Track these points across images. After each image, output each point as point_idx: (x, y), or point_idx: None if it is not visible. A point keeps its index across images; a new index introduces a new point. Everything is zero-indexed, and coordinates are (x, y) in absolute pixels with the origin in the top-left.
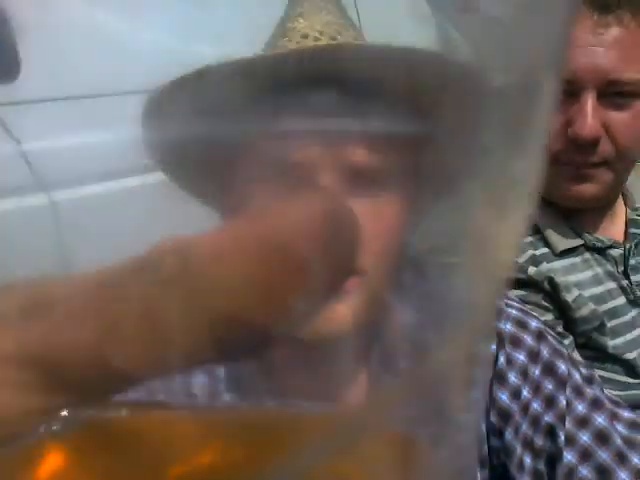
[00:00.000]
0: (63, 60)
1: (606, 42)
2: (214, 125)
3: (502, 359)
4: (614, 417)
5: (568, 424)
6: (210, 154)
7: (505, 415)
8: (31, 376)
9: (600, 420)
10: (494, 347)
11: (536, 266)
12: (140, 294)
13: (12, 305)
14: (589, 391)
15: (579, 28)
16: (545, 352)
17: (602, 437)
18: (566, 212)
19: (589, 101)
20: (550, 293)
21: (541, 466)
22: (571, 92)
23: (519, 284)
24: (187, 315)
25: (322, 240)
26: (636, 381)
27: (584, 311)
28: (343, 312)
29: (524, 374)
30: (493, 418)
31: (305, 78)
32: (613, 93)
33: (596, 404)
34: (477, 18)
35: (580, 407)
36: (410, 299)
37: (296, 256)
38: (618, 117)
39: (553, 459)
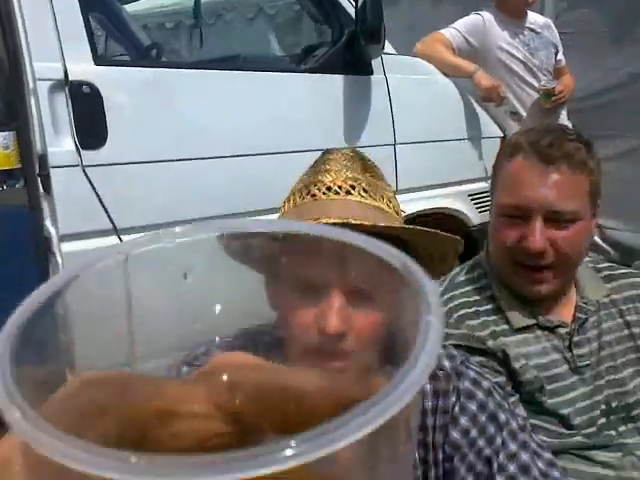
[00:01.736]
0: (138, 132)
1: (549, 184)
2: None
3: (457, 409)
4: (537, 455)
5: (501, 457)
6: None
7: (455, 447)
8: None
9: (525, 457)
10: (453, 399)
11: (495, 339)
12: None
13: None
14: (521, 435)
15: (529, 173)
16: (491, 404)
17: (525, 469)
18: (525, 298)
19: (537, 224)
20: (503, 361)
21: None
22: (524, 217)
23: (480, 352)
24: None
25: None
26: (568, 431)
27: (528, 376)
28: None
29: (473, 419)
30: (447, 449)
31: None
32: (555, 219)
33: (524, 445)
34: None
35: (512, 446)
36: None
37: None
38: (560, 235)
39: None
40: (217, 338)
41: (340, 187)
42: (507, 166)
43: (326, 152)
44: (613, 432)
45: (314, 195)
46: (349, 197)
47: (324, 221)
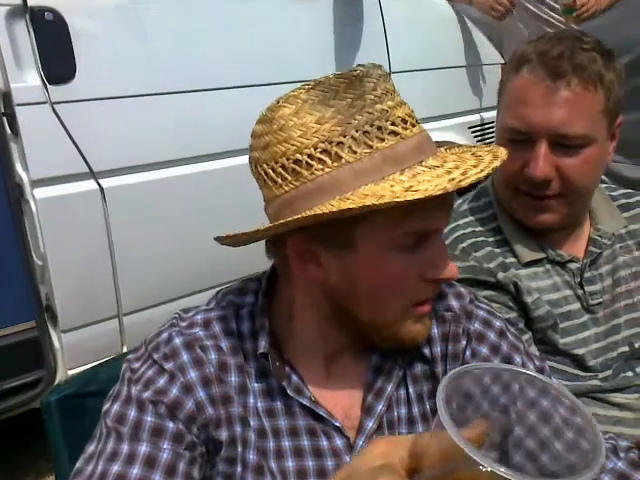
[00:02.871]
0: (110, 64)
1: (556, 102)
2: None
3: (468, 353)
4: (558, 402)
5: (519, 405)
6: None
7: (468, 396)
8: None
9: (545, 404)
10: (463, 343)
11: (505, 272)
12: None
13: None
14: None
15: (534, 90)
16: (504, 346)
17: (545, 416)
18: (533, 230)
19: (542, 149)
20: (514, 295)
21: None
22: (528, 140)
23: (489, 286)
24: None
25: None
26: (584, 374)
27: (540, 311)
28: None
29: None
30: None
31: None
32: (562, 143)
33: (544, 390)
34: None
35: (530, 392)
36: None
37: None
38: (567, 161)
39: None
40: (179, 324)
41: (409, 116)
42: (512, 82)
43: (355, 77)
44: (630, 374)
45: (395, 133)
46: (421, 128)
47: (428, 163)
